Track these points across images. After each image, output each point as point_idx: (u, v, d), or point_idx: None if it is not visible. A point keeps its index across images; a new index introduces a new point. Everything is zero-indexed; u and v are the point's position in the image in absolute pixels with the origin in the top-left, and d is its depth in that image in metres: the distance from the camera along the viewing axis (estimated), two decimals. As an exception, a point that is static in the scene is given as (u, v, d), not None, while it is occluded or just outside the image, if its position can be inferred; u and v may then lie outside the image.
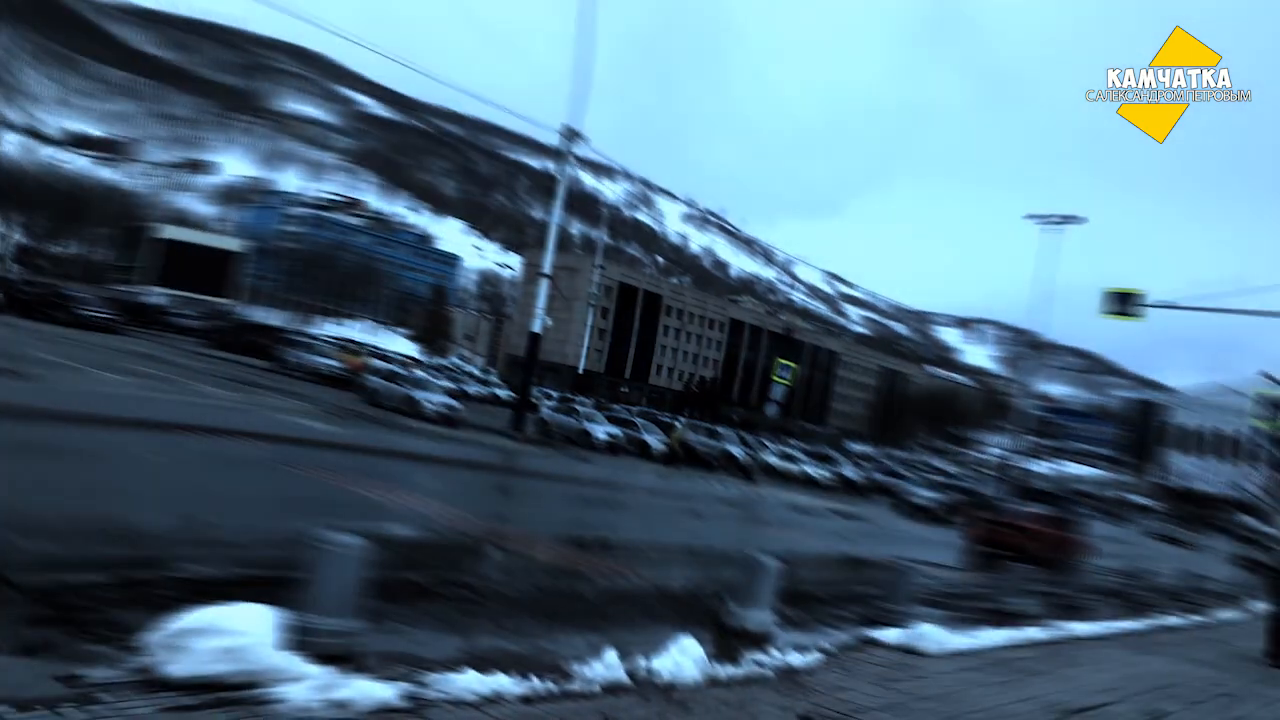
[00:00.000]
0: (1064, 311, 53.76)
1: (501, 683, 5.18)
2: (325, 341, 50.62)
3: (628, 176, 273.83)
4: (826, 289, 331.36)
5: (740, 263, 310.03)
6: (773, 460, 40.52)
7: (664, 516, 19.37)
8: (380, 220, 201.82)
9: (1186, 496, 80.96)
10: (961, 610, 11.31)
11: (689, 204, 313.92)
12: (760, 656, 6.82)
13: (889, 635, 8.48)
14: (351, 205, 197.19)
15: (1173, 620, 14.69)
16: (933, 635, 8.63)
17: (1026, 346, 60.48)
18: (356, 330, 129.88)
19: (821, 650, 7.50)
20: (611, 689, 5.61)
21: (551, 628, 7.17)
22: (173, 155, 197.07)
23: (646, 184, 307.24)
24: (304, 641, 4.62)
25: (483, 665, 5.32)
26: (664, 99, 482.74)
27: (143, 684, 4.09)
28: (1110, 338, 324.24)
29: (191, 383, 24.05)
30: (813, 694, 6.36)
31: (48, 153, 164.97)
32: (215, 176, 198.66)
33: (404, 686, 4.75)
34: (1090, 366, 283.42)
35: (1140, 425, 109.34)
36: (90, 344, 30.91)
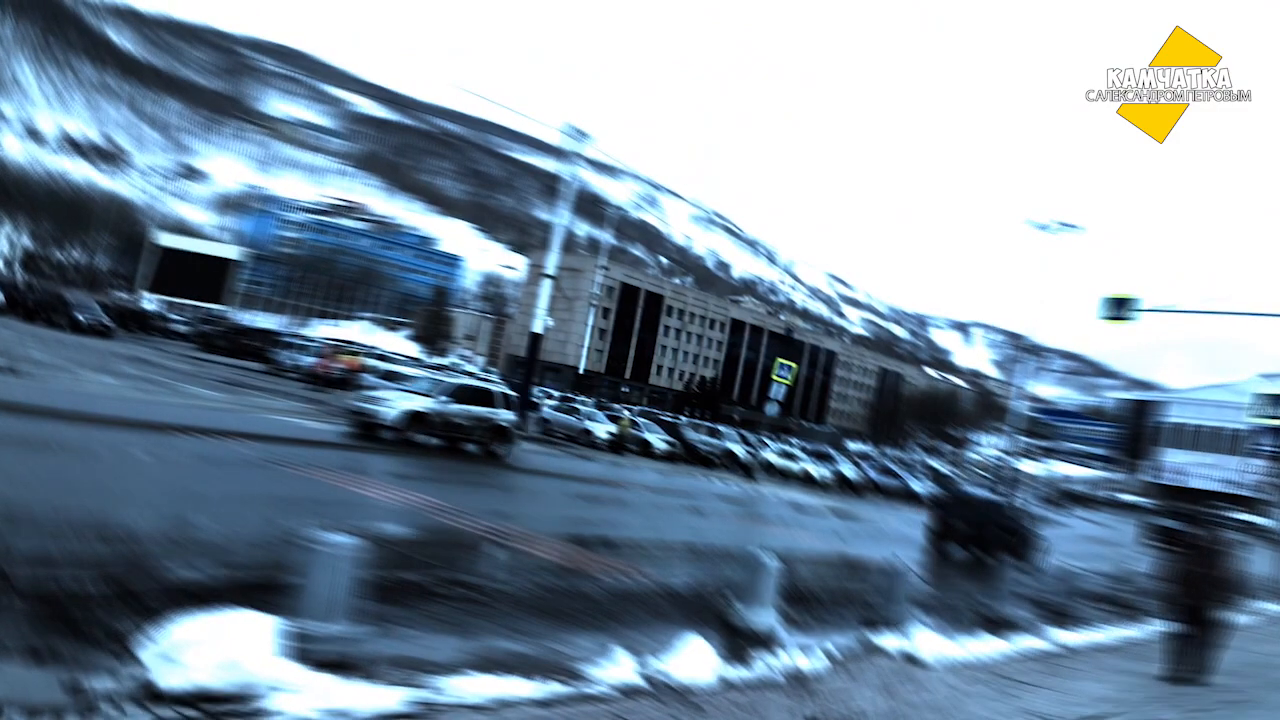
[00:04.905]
0: (1059, 315, 53.83)
1: (511, 686, 5.07)
2: (320, 343, 50.64)
3: (635, 177, 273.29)
4: (828, 290, 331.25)
5: (743, 263, 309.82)
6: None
7: (666, 514, 19.31)
8: (381, 223, 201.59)
9: (1180, 493, 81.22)
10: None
11: (696, 205, 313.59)
12: (768, 658, 6.77)
13: (890, 640, 8.40)
14: (353, 209, 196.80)
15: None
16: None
17: (1021, 350, 60.65)
18: (355, 331, 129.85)
19: (826, 654, 7.44)
20: (627, 692, 5.57)
21: (557, 628, 7.08)
22: (167, 161, 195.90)
23: (654, 185, 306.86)
24: (301, 649, 4.48)
25: (490, 668, 5.21)
26: (675, 95, 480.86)
27: (141, 697, 4.04)
28: (1106, 341, 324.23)
29: (182, 385, 24.04)
30: (821, 699, 6.34)
31: (47, 156, 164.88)
32: (210, 184, 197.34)
33: (408, 692, 4.60)
34: (1085, 369, 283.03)
35: (1134, 423, 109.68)
36: (86, 348, 30.99)
